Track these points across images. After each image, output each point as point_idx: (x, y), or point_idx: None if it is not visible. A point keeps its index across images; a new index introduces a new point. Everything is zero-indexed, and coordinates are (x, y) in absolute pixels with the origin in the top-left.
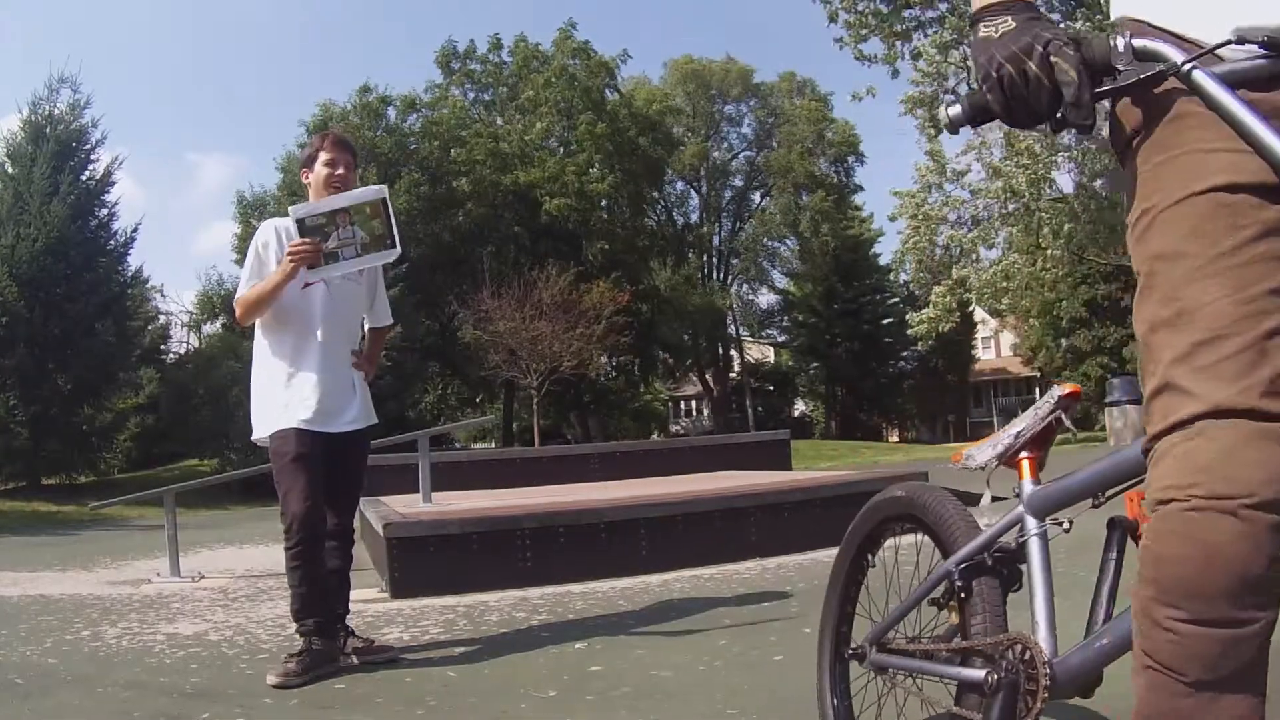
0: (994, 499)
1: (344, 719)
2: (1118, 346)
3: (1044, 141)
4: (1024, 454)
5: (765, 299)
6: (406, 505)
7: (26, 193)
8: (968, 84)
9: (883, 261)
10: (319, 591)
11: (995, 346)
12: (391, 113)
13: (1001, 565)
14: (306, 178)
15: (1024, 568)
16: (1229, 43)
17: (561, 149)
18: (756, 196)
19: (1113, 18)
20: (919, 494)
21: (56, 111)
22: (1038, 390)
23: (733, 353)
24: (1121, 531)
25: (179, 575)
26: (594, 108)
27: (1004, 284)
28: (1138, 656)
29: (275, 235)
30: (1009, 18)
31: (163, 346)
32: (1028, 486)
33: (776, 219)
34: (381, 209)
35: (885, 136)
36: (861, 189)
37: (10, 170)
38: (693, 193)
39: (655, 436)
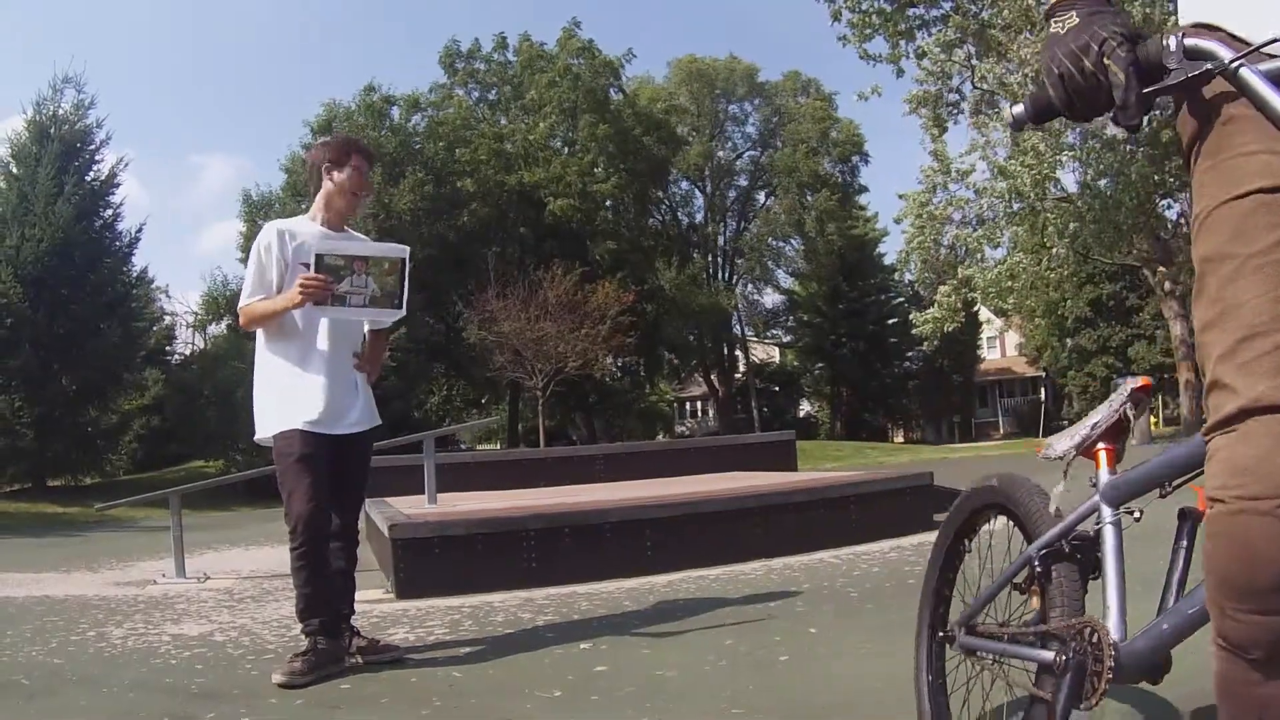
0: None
1: (350, 718)
2: (1123, 346)
3: (1049, 141)
4: (1101, 445)
5: (770, 299)
6: (412, 506)
7: (31, 193)
8: (971, 83)
9: (888, 261)
10: (324, 592)
11: (1000, 346)
12: (395, 112)
13: (1078, 552)
14: (331, 176)
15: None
16: (1275, 40)
17: (566, 149)
18: (761, 196)
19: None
20: (1008, 484)
21: (61, 112)
22: (1043, 390)
23: (738, 353)
24: (1191, 522)
25: (184, 576)
26: (598, 107)
27: (1009, 284)
28: (1212, 636)
29: (277, 237)
30: (1074, 13)
31: (168, 347)
32: (1104, 476)
33: (781, 219)
34: (399, 268)
35: (890, 135)
36: (866, 189)
37: (15, 171)
38: (697, 192)
39: (660, 437)
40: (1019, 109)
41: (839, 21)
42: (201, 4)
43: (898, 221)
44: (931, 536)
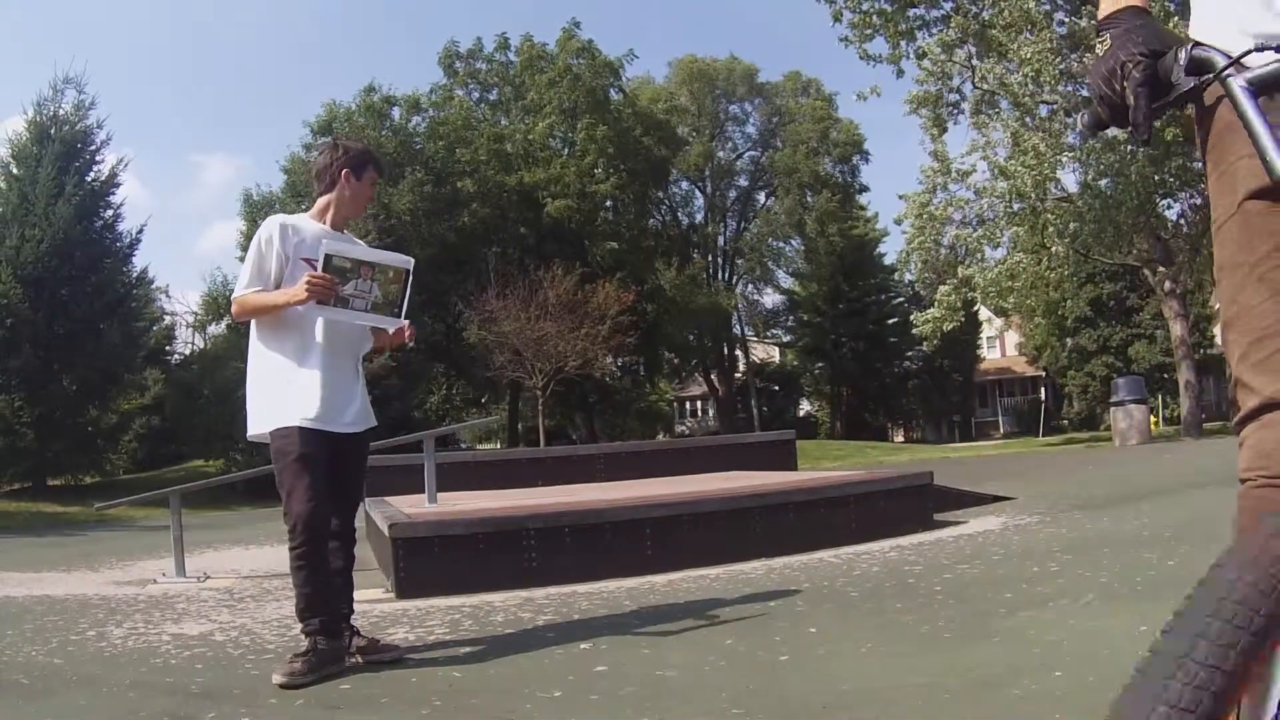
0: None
1: (349, 718)
2: (1123, 346)
3: (1049, 141)
4: None
5: (770, 299)
6: (412, 506)
7: (32, 194)
8: (972, 83)
9: (888, 261)
10: (324, 591)
11: (1000, 346)
12: (396, 113)
13: None
14: (349, 179)
15: None
16: (1249, 51)
17: (566, 150)
18: (761, 196)
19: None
20: None
21: (61, 112)
22: (1043, 390)
23: (738, 353)
24: None
25: (184, 576)
26: (598, 108)
27: (1009, 283)
28: None
29: (280, 231)
30: (1110, 34)
31: (168, 347)
32: None
33: (781, 219)
34: (403, 278)
35: (890, 135)
36: (867, 188)
37: (15, 171)
38: (697, 193)
39: (661, 437)
40: (1087, 118)
41: (839, 22)
42: (202, 4)
43: (898, 222)
44: (932, 536)
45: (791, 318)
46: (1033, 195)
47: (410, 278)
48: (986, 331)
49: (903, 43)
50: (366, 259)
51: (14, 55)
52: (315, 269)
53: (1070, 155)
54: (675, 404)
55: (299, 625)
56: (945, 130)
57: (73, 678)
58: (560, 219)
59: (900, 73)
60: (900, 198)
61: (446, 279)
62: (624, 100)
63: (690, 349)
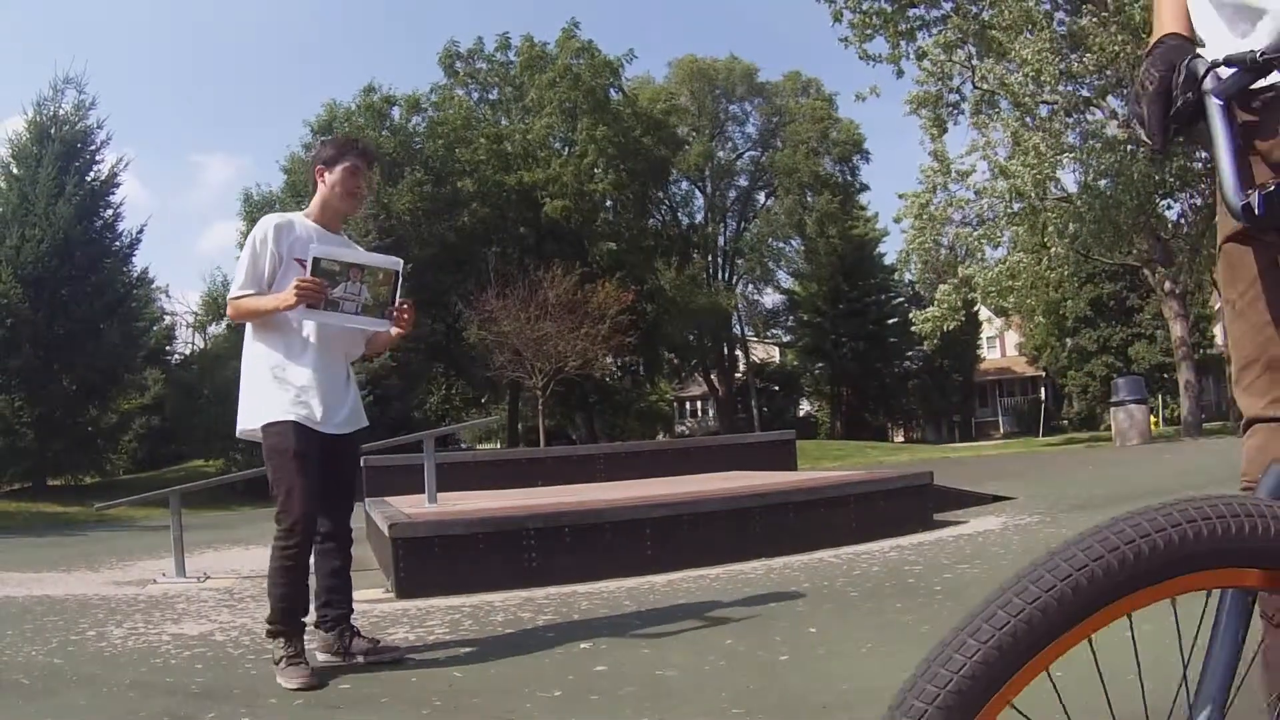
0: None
1: (350, 718)
2: (1123, 346)
3: (1049, 141)
4: None
5: (770, 299)
6: (412, 506)
7: (32, 194)
8: (972, 83)
9: (888, 261)
10: (307, 593)
11: (1000, 346)
12: (396, 112)
13: None
14: (322, 176)
15: None
16: (1218, 64)
17: (565, 149)
18: (761, 196)
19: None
20: None
21: (61, 112)
22: (1043, 390)
23: (738, 353)
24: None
25: (184, 576)
26: (598, 108)
27: (1009, 283)
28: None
29: (274, 231)
30: (1147, 56)
31: (168, 347)
32: None
33: (781, 219)
34: (393, 279)
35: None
36: (867, 188)
37: (16, 171)
38: (697, 193)
39: (661, 437)
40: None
41: (839, 23)
42: (202, 4)
43: (897, 221)
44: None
45: (791, 318)
46: (1033, 195)
47: (400, 279)
48: (986, 331)
49: (903, 43)
50: (356, 261)
51: (14, 55)
52: (306, 271)
53: (1070, 155)
54: (675, 404)
55: (276, 626)
56: (945, 130)
57: (73, 678)
58: (558, 219)
59: (900, 73)
60: (900, 196)
61: (446, 279)
62: (624, 100)
63: (690, 349)
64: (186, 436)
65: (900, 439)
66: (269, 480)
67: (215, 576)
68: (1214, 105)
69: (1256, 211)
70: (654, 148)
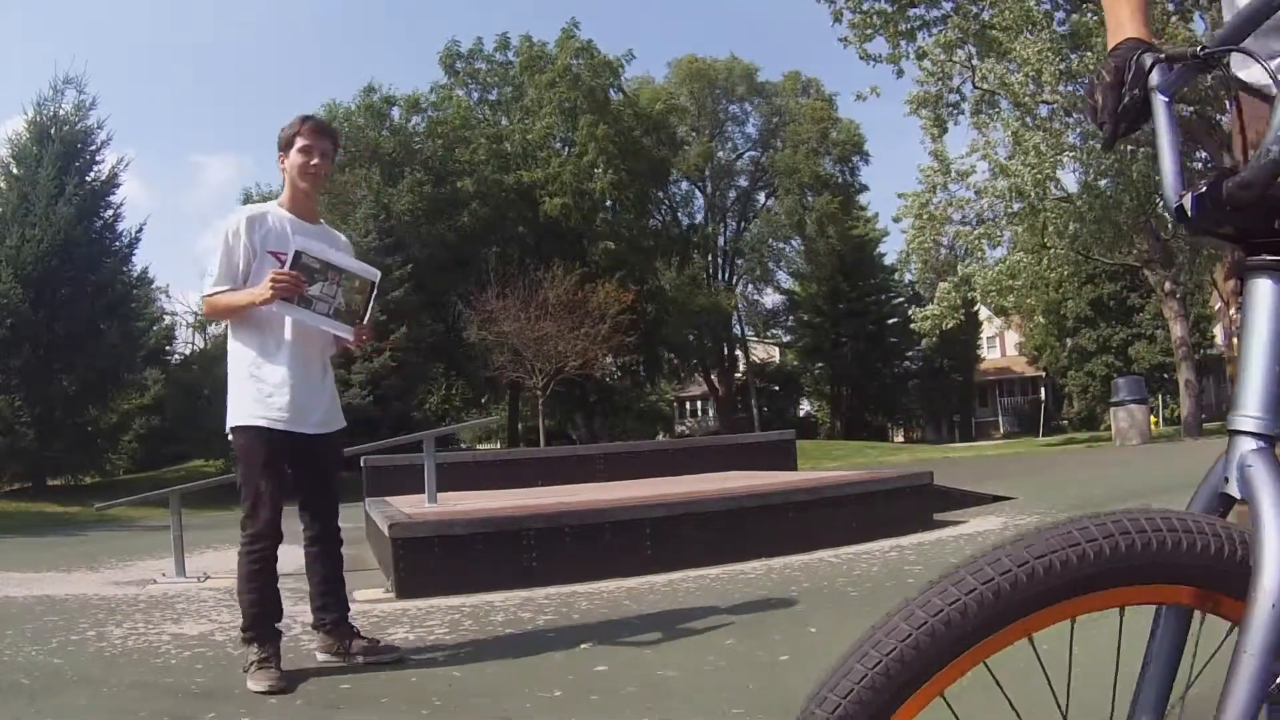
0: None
1: (350, 718)
2: (1123, 346)
3: (1049, 141)
4: None
5: (770, 299)
6: (412, 506)
7: (32, 194)
8: (972, 83)
9: (888, 261)
10: (279, 596)
11: (1000, 346)
12: (396, 112)
13: None
14: (283, 163)
15: None
16: (1162, 59)
17: (565, 149)
18: (761, 197)
19: None
20: None
21: (62, 112)
22: (1043, 390)
23: (738, 353)
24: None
25: (184, 575)
26: (598, 108)
27: (1009, 282)
28: None
29: (246, 224)
30: (1107, 58)
31: (168, 347)
32: None
33: (781, 219)
34: (368, 289)
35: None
36: (866, 188)
37: (16, 171)
38: (697, 193)
39: (660, 437)
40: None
41: (840, 23)
42: (202, 4)
43: (897, 221)
44: (932, 536)
45: (791, 318)
46: (1033, 194)
47: (375, 290)
48: (986, 331)
49: (903, 43)
50: (336, 263)
51: (14, 55)
52: (283, 263)
53: (1070, 155)
54: (675, 404)
55: (249, 633)
56: (945, 130)
57: (73, 678)
58: (558, 217)
59: (900, 73)
60: (900, 196)
61: (446, 279)
62: (624, 100)
63: (690, 349)
64: (186, 436)
65: (900, 439)
66: (237, 483)
67: (215, 576)
68: (1158, 101)
69: (1189, 213)
70: (654, 148)
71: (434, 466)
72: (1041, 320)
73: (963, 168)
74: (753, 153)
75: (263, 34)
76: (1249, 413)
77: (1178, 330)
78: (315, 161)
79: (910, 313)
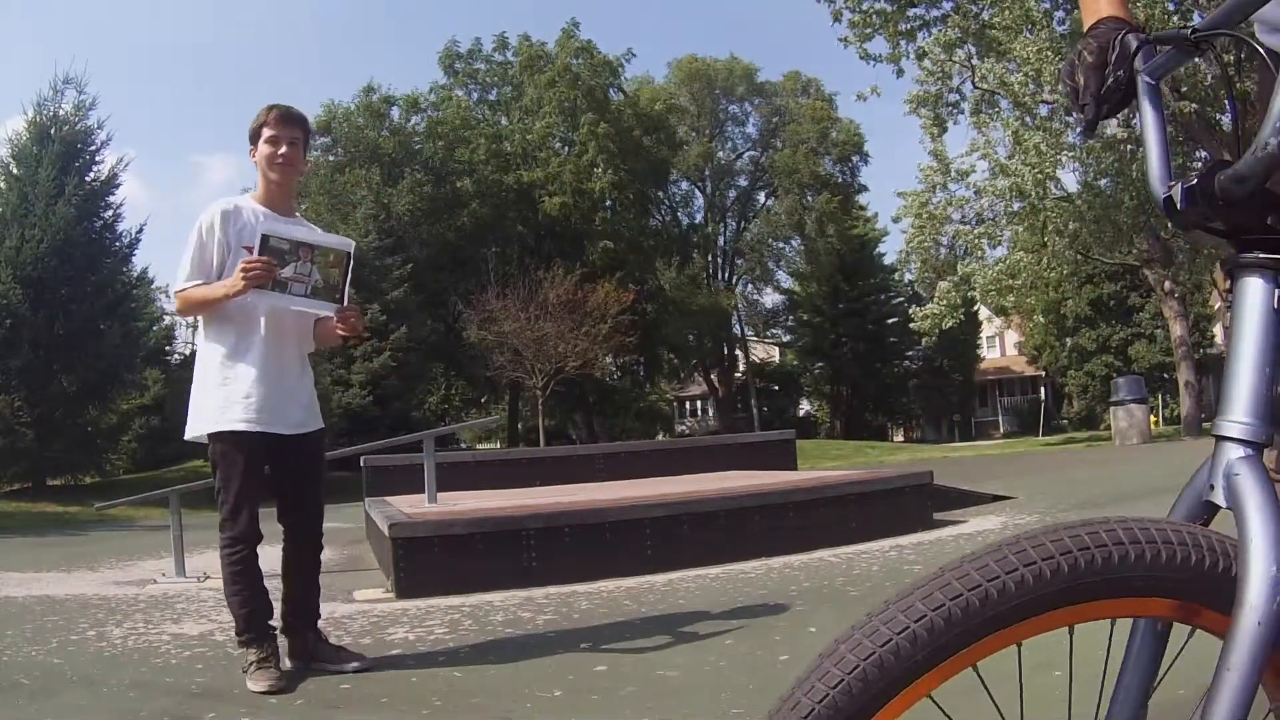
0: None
1: (350, 718)
2: (1123, 346)
3: (1049, 140)
4: None
5: (770, 299)
6: (412, 505)
7: (32, 194)
8: (972, 83)
9: (887, 261)
10: (265, 596)
11: (1000, 345)
12: (395, 113)
13: None
14: (253, 155)
15: None
16: (1149, 40)
17: (565, 149)
18: (761, 196)
19: None
20: None
21: (61, 112)
22: (1043, 390)
23: (738, 353)
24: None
25: (184, 575)
26: (598, 108)
27: (1009, 282)
28: None
29: (220, 217)
30: (1084, 38)
31: (168, 347)
32: None
33: (781, 219)
34: (344, 261)
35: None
36: (866, 188)
37: (15, 171)
38: (697, 193)
39: (660, 437)
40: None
41: (839, 22)
42: (202, 4)
43: (897, 221)
44: (932, 536)
45: (791, 318)
46: (1033, 194)
47: (351, 261)
48: (986, 331)
49: (903, 43)
50: (305, 240)
51: (14, 55)
52: (255, 251)
53: (1070, 154)
54: (675, 404)
55: (244, 635)
56: (945, 130)
57: (73, 678)
58: (557, 217)
59: (900, 73)
60: (899, 195)
61: (446, 279)
62: (624, 100)
63: (690, 349)
64: None
65: (900, 439)
66: (214, 487)
67: (215, 576)
68: (1144, 85)
69: (1178, 205)
70: (654, 148)
71: (434, 466)
72: (1041, 320)
73: (963, 167)
74: (752, 153)
75: (263, 34)
76: (1236, 418)
77: (1178, 330)
78: (284, 150)
79: (910, 312)
